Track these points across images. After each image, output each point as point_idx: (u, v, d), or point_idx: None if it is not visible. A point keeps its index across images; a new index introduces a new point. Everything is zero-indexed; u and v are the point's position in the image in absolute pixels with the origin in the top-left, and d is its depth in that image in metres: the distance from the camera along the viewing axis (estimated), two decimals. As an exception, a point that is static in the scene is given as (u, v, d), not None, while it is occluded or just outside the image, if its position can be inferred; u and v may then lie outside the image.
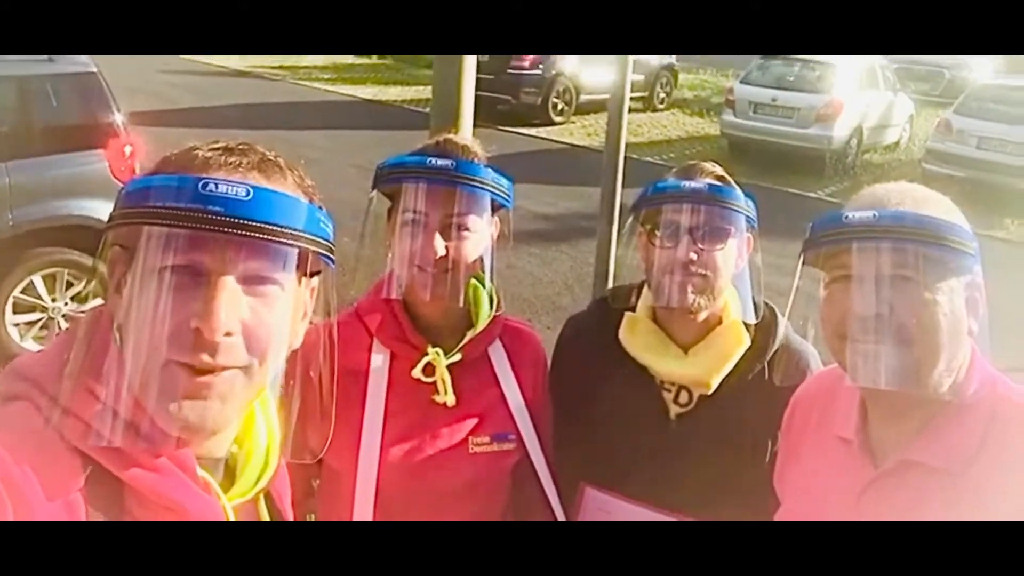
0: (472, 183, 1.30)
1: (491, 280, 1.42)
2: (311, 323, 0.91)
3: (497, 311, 1.44)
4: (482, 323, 1.42)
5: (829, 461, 1.18)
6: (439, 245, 1.29)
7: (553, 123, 12.26)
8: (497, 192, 1.34)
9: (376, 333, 1.38)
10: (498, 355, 1.45)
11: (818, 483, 1.19)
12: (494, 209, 1.38)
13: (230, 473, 0.88)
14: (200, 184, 0.73)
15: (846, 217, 1.04)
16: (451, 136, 1.40)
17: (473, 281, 1.41)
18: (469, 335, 1.40)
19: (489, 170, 1.33)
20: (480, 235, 1.34)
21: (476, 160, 1.34)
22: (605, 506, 1.50)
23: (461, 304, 1.35)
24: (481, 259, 1.36)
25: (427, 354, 1.36)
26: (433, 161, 1.29)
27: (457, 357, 1.38)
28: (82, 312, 4.20)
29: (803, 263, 1.13)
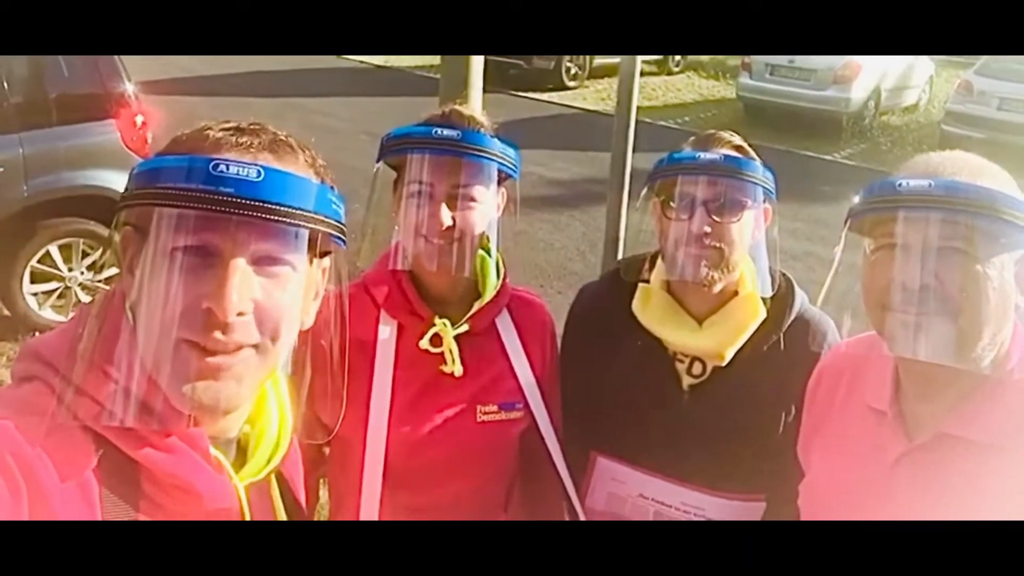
0: (478, 153, 1.29)
1: (497, 250, 1.42)
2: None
3: (503, 281, 1.44)
4: (489, 293, 1.42)
5: (859, 432, 1.17)
6: (445, 216, 1.29)
7: (567, 87, 12.12)
8: (503, 162, 1.33)
9: (383, 304, 1.38)
10: (505, 325, 1.45)
11: (848, 453, 1.18)
12: (500, 179, 1.37)
13: (242, 453, 0.89)
14: (211, 165, 0.73)
15: (899, 184, 1.00)
16: (457, 106, 1.38)
17: (480, 251, 1.40)
18: (476, 305, 1.40)
19: (495, 140, 1.32)
20: (486, 205, 1.34)
21: (482, 130, 1.33)
22: (617, 475, 1.51)
23: (468, 275, 1.35)
24: (488, 229, 1.36)
25: (434, 325, 1.36)
26: (439, 132, 1.28)
27: (464, 327, 1.38)
28: (98, 281, 4.24)
29: (848, 230, 1.10)
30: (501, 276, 1.45)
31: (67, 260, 4.31)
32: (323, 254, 0.88)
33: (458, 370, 1.37)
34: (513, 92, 11.38)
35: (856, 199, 1.07)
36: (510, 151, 1.34)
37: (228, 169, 0.72)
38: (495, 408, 1.41)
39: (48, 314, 4.31)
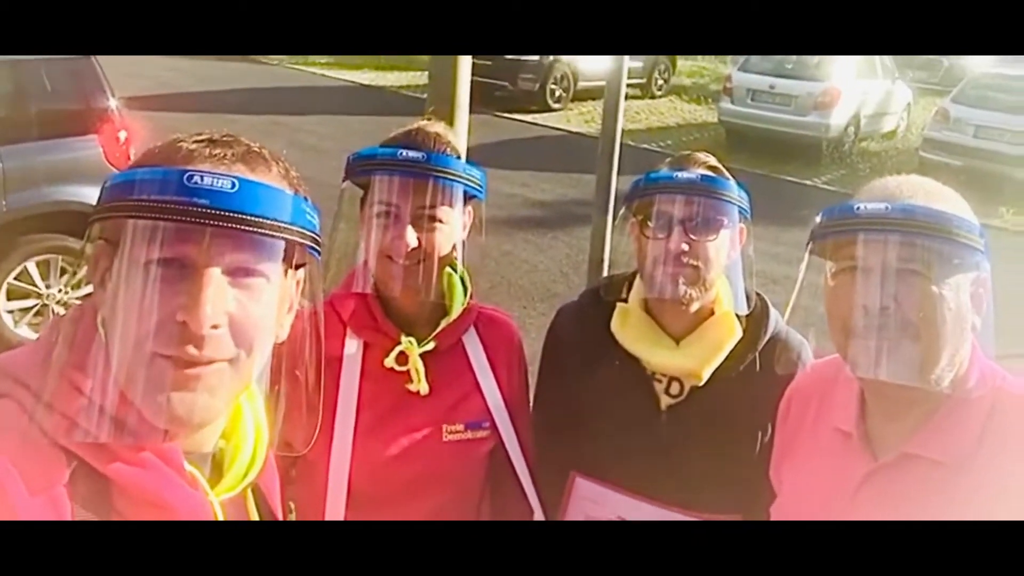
0: (444, 175, 1.29)
1: (464, 268, 1.42)
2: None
3: (470, 299, 1.44)
4: (456, 311, 1.42)
5: (827, 453, 1.18)
6: (411, 237, 1.29)
7: (551, 109, 12.21)
8: (469, 183, 1.33)
9: (349, 322, 1.38)
10: (472, 343, 1.45)
11: (816, 475, 1.19)
12: (467, 199, 1.37)
13: (218, 468, 0.88)
14: (185, 176, 0.72)
15: (857, 208, 1.03)
16: (423, 125, 1.38)
17: (447, 269, 1.40)
18: (443, 323, 1.40)
19: (461, 161, 1.33)
20: (452, 226, 1.34)
21: (448, 151, 1.33)
22: (595, 496, 1.50)
23: (433, 297, 1.35)
24: (454, 249, 1.36)
25: (400, 343, 1.36)
26: (404, 153, 1.28)
27: (431, 346, 1.38)
28: (76, 299, 4.20)
29: (810, 253, 1.12)
30: (468, 294, 1.45)
31: (45, 277, 4.26)
32: (298, 266, 0.87)
33: (424, 388, 1.37)
34: (498, 113, 11.45)
35: (816, 222, 1.10)
36: (475, 172, 1.35)
37: (202, 180, 0.72)
38: (461, 427, 1.41)
39: (24, 332, 4.25)
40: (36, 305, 4.29)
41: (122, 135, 4.30)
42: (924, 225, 1.00)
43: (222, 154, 0.78)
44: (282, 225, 0.76)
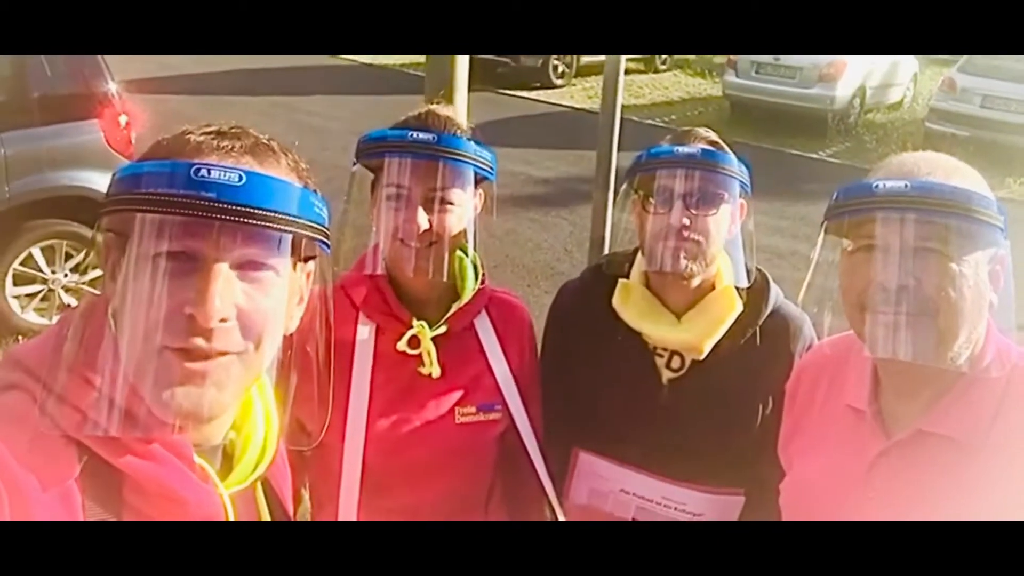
0: (455, 156, 1.29)
1: (475, 251, 1.43)
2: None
3: (481, 282, 1.45)
4: (467, 294, 1.42)
5: (839, 431, 1.18)
6: (422, 219, 1.29)
7: (554, 86, 12.11)
8: (479, 165, 1.33)
9: (361, 306, 1.38)
10: (484, 326, 1.45)
11: (827, 452, 1.19)
12: (477, 180, 1.37)
13: (228, 460, 0.88)
14: (193, 169, 0.72)
15: (876, 186, 1.01)
16: (434, 108, 1.38)
17: (458, 252, 1.41)
18: (454, 307, 1.41)
19: (472, 143, 1.33)
20: (463, 208, 1.34)
21: (459, 133, 1.33)
22: (598, 470, 1.51)
23: (445, 278, 1.35)
24: (465, 231, 1.36)
25: (412, 327, 1.36)
26: (415, 135, 1.28)
27: (443, 329, 1.38)
28: (82, 284, 4.20)
29: (825, 231, 1.11)
30: (479, 277, 1.45)
31: (50, 262, 4.27)
32: (307, 258, 0.87)
33: (436, 372, 1.38)
34: (500, 90, 11.37)
35: (833, 200, 1.08)
36: (486, 153, 1.35)
37: (210, 173, 0.72)
38: (473, 409, 1.42)
39: (31, 317, 4.27)
40: (42, 290, 4.31)
41: (123, 119, 4.28)
42: (943, 203, 0.98)
43: (230, 146, 0.78)
44: (290, 218, 0.76)
